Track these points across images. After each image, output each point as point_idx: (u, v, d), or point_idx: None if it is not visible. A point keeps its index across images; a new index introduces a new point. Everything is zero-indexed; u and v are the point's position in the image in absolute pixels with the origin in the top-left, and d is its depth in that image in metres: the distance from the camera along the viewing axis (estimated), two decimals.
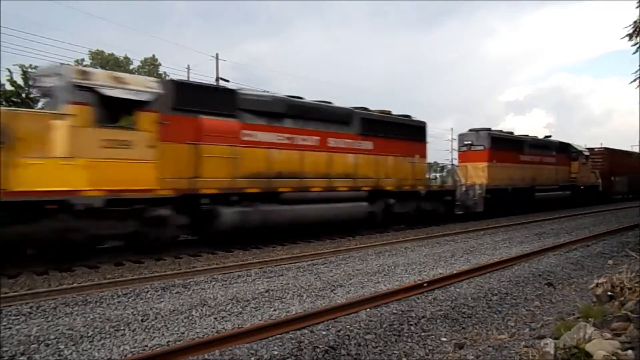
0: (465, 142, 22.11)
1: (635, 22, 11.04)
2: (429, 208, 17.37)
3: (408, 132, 16.94)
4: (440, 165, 20.99)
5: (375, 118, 15.84)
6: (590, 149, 31.96)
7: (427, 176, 18.48)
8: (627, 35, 11.21)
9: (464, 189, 19.49)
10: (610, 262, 9.73)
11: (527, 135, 24.78)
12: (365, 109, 15.91)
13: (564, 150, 27.29)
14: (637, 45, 11.13)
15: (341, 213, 14.02)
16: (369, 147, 15.30)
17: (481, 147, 21.47)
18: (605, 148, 34.08)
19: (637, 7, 10.85)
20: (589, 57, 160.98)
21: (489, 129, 22.15)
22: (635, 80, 11.41)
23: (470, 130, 22.36)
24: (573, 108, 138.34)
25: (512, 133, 24.11)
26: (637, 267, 6.69)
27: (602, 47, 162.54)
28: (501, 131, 23.30)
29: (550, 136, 27.57)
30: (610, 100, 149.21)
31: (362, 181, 14.83)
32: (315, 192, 13.31)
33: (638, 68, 11.29)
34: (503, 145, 22.09)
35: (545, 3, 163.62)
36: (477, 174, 20.74)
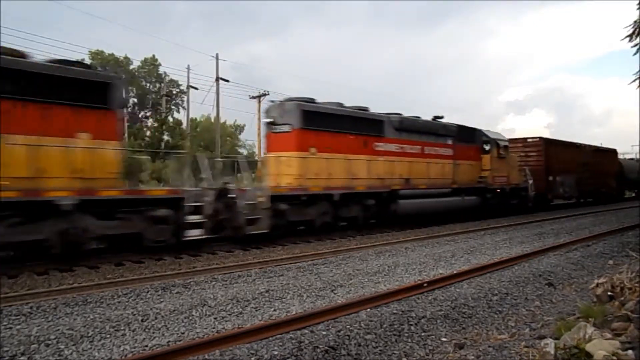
0: (267, 120, 14.25)
1: (635, 22, 11.00)
2: (111, 232, 9.67)
3: (55, 91, 9.31)
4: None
5: None
6: (522, 139, 24.96)
7: (115, 172, 10.12)
8: (627, 36, 11.16)
9: (231, 195, 11.52)
10: (610, 262, 9.72)
11: (397, 114, 16.46)
12: None
13: (469, 138, 19.41)
14: (637, 47, 11.11)
15: None
16: None
17: (287, 128, 13.55)
18: (540, 138, 25.37)
19: (637, 8, 10.84)
20: (589, 57, 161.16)
21: (305, 99, 14.04)
22: (635, 80, 11.40)
23: (273, 101, 14.86)
24: (573, 108, 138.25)
25: (367, 109, 15.64)
26: (637, 267, 6.68)
27: (602, 47, 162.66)
28: (341, 104, 14.96)
29: (442, 117, 18.98)
30: (610, 100, 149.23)
31: None
32: None
33: (638, 69, 11.28)
34: (331, 126, 14.12)
35: (545, 3, 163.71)
36: (283, 171, 13.38)
